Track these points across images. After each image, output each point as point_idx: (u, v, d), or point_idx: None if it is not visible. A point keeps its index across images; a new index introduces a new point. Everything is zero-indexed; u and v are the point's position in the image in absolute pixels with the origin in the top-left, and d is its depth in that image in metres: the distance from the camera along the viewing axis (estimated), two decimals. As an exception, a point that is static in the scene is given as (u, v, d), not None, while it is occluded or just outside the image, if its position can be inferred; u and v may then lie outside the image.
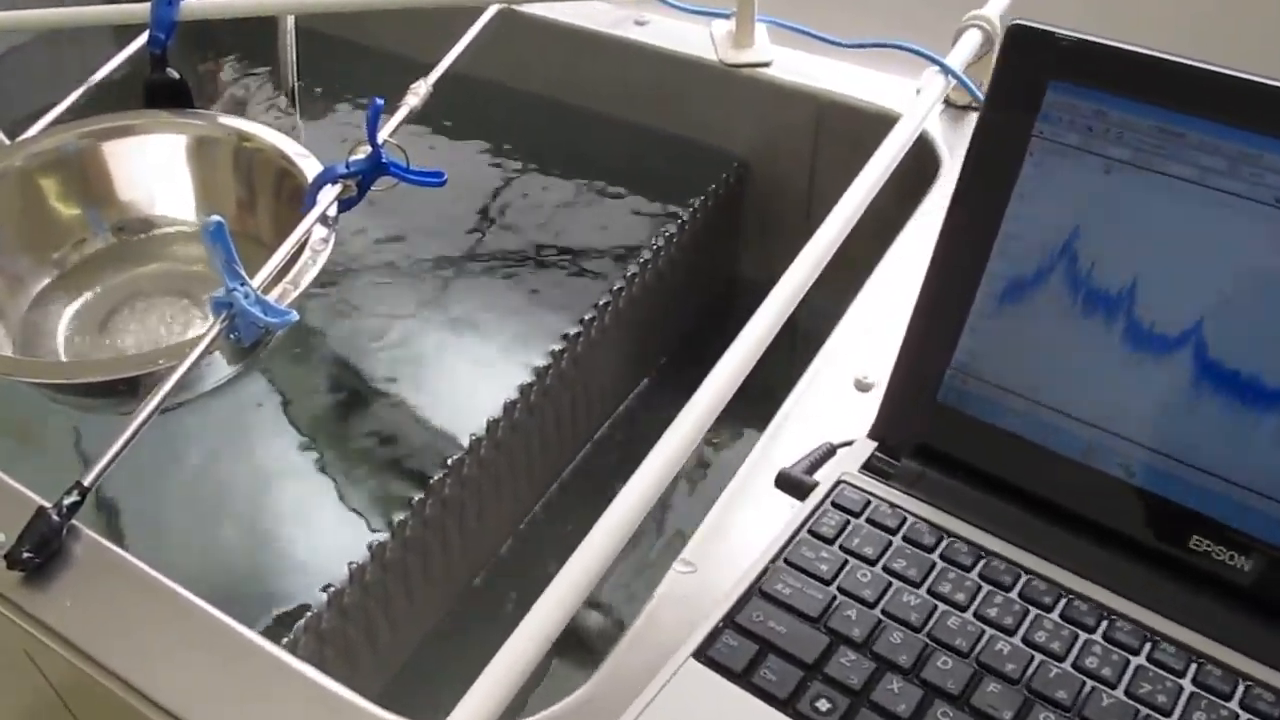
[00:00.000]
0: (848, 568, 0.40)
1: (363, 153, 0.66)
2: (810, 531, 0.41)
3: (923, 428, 0.44)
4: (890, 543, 0.41)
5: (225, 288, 0.55)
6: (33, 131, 0.69)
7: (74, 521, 0.48)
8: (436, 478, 0.59)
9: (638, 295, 0.71)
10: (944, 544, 0.41)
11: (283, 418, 0.66)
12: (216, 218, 0.54)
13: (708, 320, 0.83)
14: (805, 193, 0.78)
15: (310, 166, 0.66)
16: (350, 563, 0.54)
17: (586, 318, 0.67)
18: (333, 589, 0.53)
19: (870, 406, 0.53)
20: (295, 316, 0.55)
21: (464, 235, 0.78)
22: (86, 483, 0.48)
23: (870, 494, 0.42)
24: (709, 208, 0.76)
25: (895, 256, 0.61)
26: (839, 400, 0.53)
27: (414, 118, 0.68)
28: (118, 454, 0.50)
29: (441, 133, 0.83)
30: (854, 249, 0.58)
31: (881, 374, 0.55)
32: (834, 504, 0.42)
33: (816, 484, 0.43)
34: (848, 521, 0.41)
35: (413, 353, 0.69)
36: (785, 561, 0.40)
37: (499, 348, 0.69)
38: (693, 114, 0.79)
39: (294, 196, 0.66)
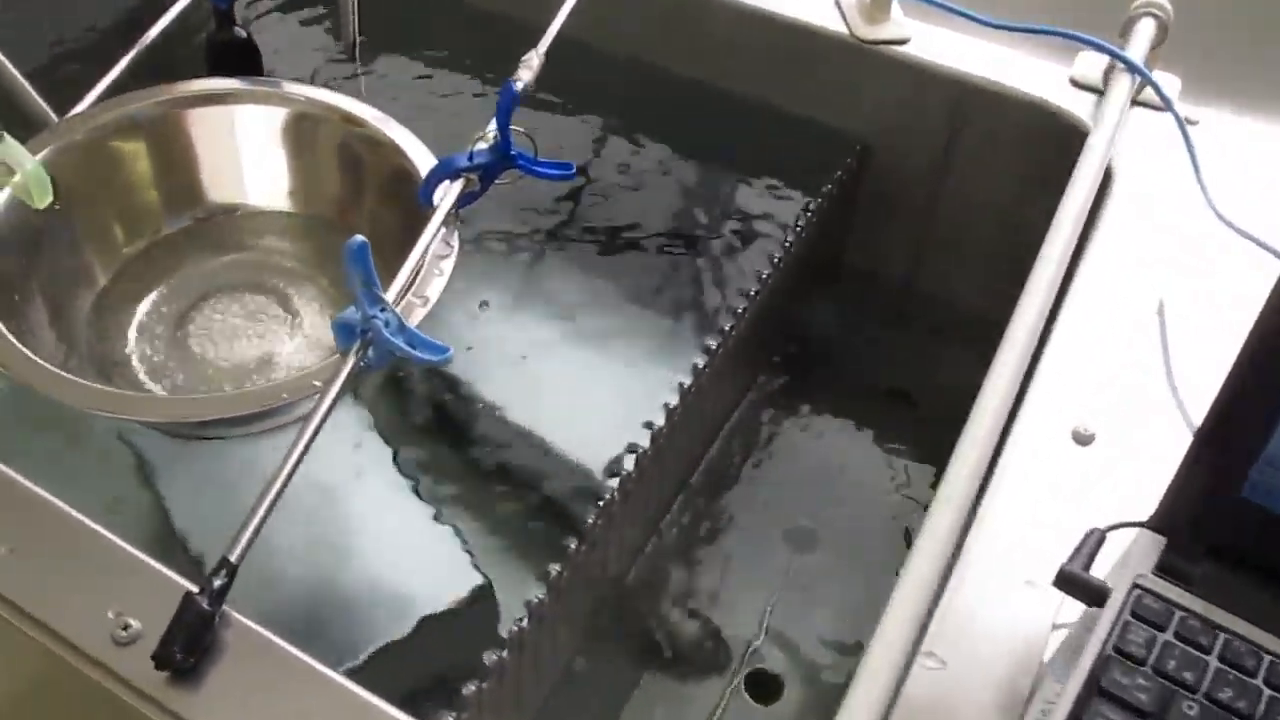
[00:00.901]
0: (1171, 699, 0.35)
1: (486, 142, 0.58)
2: (1117, 649, 0.37)
3: (1222, 526, 0.39)
4: (1206, 664, 0.36)
5: (364, 314, 0.48)
6: (90, 99, 0.59)
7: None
8: (589, 521, 0.53)
9: (765, 292, 0.65)
10: (1265, 665, 0.36)
11: (388, 451, 0.59)
12: (360, 237, 0.46)
13: (815, 313, 0.77)
14: (932, 182, 0.72)
15: (420, 154, 0.59)
16: (511, 629, 0.49)
17: (726, 327, 0.61)
18: (495, 659, 0.48)
19: (1091, 461, 0.49)
20: (451, 353, 0.48)
21: (569, 226, 0.70)
22: (234, 558, 0.42)
23: (1172, 603, 0.38)
24: (832, 195, 0.69)
25: (1085, 283, 0.55)
26: (1057, 455, 0.48)
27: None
28: (260, 524, 0.43)
29: (534, 105, 0.74)
30: (1020, 262, 0.53)
31: (1101, 424, 0.50)
32: (1134, 615, 0.37)
33: (1107, 589, 0.38)
34: (1154, 637, 0.37)
35: (534, 370, 0.62)
36: (1100, 691, 0.35)
37: (629, 364, 0.62)
38: (814, 90, 0.72)
39: (402, 189, 0.58)
